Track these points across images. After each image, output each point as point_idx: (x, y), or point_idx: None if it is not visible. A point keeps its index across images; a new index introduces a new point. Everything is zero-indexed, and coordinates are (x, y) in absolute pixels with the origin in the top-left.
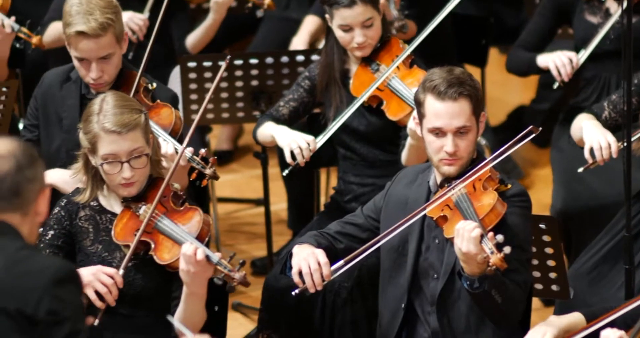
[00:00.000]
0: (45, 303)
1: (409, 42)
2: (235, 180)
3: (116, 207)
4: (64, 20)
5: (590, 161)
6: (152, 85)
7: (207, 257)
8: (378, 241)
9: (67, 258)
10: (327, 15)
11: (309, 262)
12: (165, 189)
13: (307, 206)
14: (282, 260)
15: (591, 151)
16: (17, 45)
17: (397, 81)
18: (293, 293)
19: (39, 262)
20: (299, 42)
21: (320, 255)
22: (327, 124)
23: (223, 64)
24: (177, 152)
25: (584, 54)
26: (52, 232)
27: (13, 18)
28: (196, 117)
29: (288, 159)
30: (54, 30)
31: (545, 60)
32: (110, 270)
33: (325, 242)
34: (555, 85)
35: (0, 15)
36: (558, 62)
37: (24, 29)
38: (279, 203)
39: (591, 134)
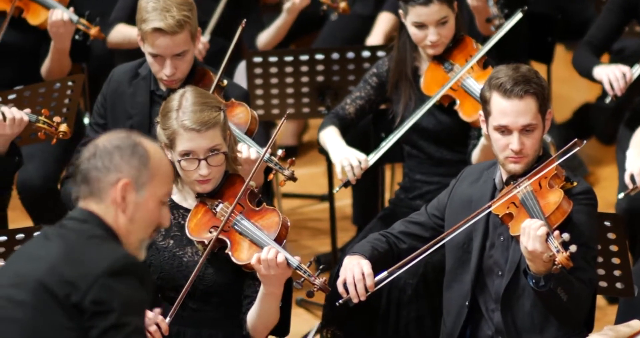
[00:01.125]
0: (94, 292)
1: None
2: (299, 175)
3: (190, 201)
4: (139, 16)
5: (630, 187)
6: (224, 82)
7: (287, 260)
8: (423, 252)
9: None
10: (400, 11)
11: (353, 272)
12: (240, 185)
13: (371, 202)
14: (336, 269)
15: (632, 176)
16: (77, 37)
17: (472, 81)
18: (337, 303)
19: (101, 251)
20: (373, 42)
21: (365, 266)
22: (394, 120)
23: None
24: (257, 154)
25: (638, 69)
26: None
27: (72, 9)
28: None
29: (339, 175)
30: (120, 33)
31: (599, 73)
32: (158, 317)
33: (385, 246)
34: (608, 100)
35: (60, 7)
36: (612, 76)
37: (83, 20)
38: (344, 199)
39: (632, 160)
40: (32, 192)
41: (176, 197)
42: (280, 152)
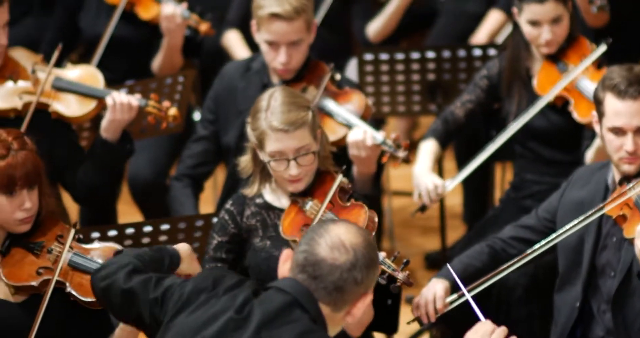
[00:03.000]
0: None
1: (596, 38)
2: (409, 173)
3: (283, 201)
4: (256, 3)
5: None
6: (337, 76)
7: None
8: (501, 271)
9: (232, 268)
10: (514, 9)
11: (426, 295)
12: (330, 182)
13: (481, 200)
14: None
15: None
16: (187, 33)
17: (587, 82)
18: (407, 323)
19: None
20: (477, 41)
21: (440, 290)
22: (507, 118)
23: None
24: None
25: None
26: (215, 242)
27: (185, 4)
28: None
29: (415, 198)
30: (228, 40)
31: None
32: None
33: (485, 258)
34: None
35: (173, 2)
36: None
37: (194, 16)
38: (454, 197)
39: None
40: (142, 186)
41: (269, 197)
42: (393, 135)
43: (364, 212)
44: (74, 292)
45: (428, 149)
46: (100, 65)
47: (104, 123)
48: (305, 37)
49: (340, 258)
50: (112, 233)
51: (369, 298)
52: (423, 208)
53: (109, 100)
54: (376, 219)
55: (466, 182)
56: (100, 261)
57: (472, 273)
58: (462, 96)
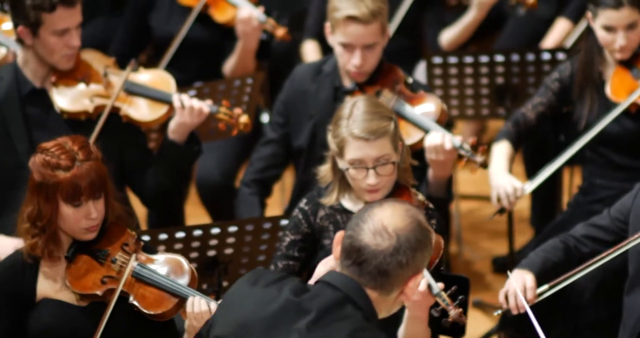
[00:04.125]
0: None
1: None
2: (478, 177)
3: (359, 207)
4: (332, 5)
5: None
6: (409, 79)
7: (429, 286)
8: (589, 265)
9: (303, 266)
10: (589, 13)
11: (516, 285)
12: (408, 198)
13: (550, 205)
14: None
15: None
16: (264, 37)
17: None
18: (495, 313)
19: None
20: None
21: (529, 280)
22: (579, 123)
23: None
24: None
25: None
26: (288, 239)
27: (261, 8)
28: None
29: (494, 201)
30: (304, 50)
31: None
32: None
33: (560, 253)
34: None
35: (249, 6)
36: None
37: (271, 21)
38: (522, 202)
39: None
40: (210, 188)
41: (347, 203)
42: (470, 139)
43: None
44: (137, 304)
45: (502, 151)
46: (170, 66)
47: (172, 125)
48: (379, 40)
49: (383, 244)
50: (180, 235)
51: (419, 277)
52: (502, 211)
53: (178, 103)
54: (442, 242)
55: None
56: (164, 272)
57: (550, 268)
58: (533, 99)
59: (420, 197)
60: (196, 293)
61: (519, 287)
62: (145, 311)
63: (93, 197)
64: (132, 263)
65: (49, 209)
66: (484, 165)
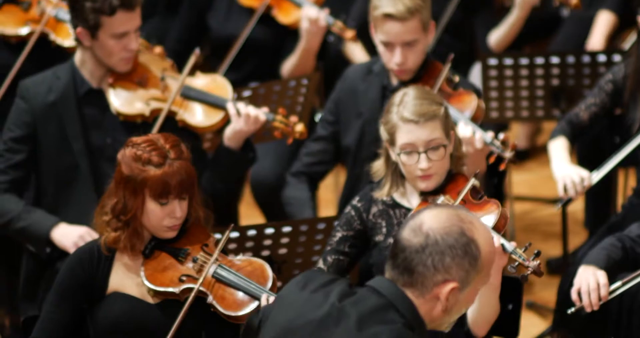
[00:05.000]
0: None
1: None
2: (531, 179)
3: (413, 202)
4: (372, 4)
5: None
6: (456, 78)
7: (502, 246)
8: None
9: (352, 262)
10: (639, 17)
11: (589, 281)
12: (464, 183)
13: (603, 206)
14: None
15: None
16: (331, 39)
17: None
18: (569, 311)
19: None
20: (594, 45)
21: (601, 277)
22: (632, 126)
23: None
24: (482, 140)
25: None
26: (339, 234)
27: (327, 10)
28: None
29: (561, 192)
30: (353, 52)
31: None
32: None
33: (620, 252)
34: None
35: (315, 8)
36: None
37: (339, 23)
38: (576, 203)
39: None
40: (264, 188)
41: (398, 198)
42: (502, 135)
43: (496, 208)
44: (216, 304)
45: (560, 144)
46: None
47: (228, 132)
48: (420, 37)
49: (412, 240)
50: (234, 235)
51: (453, 287)
52: (568, 201)
53: (233, 111)
54: (508, 215)
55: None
56: (243, 276)
57: (612, 265)
58: (586, 99)
59: (476, 182)
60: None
61: (592, 284)
62: (224, 312)
63: (180, 197)
64: (213, 264)
65: (134, 204)
66: (514, 161)
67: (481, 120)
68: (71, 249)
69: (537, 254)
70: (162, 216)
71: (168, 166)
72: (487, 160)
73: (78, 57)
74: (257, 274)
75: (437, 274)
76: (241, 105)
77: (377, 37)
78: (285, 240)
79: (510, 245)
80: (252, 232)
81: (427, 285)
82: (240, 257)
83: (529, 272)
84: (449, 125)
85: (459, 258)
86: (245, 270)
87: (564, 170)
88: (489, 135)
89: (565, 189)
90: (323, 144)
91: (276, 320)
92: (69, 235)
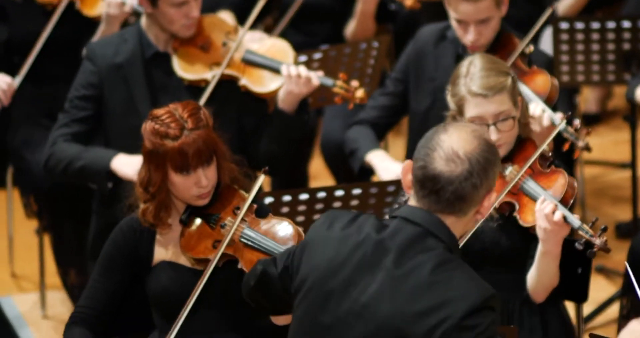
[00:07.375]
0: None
1: None
2: (602, 143)
3: None
4: None
5: None
6: (529, 49)
7: (565, 219)
8: None
9: None
10: None
11: None
12: (533, 150)
13: None
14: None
15: None
16: (393, 7)
17: None
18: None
19: (459, 285)
20: None
21: None
22: None
23: None
24: (550, 121)
25: None
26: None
27: None
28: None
29: None
30: None
31: None
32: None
33: None
34: None
35: None
36: None
37: None
38: None
39: None
40: (334, 150)
41: None
42: (577, 121)
43: (563, 178)
44: (245, 269)
45: None
46: (296, 29)
47: (281, 93)
48: (494, 13)
49: (456, 170)
50: (304, 197)
51: (493, 195)
52: None
53: (285, 72)
54: (576, 185)
55: None
56: (271, 240)
57: None
58: None
59: (546, 147)
60: None
61: None
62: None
63: (202, 165)
64: (234, 227)
65: (158, 177)
66: (587, 149)
67: (555, 100)
68: (135, 177)
69: (604, 230)
70: (189, 186)
71: (184, 137)
72: (560, 147)
73: (144, 20)
74: (282, 236)
75: (482, 190)
76: (292, 67)
77: (451, 14)
78: (355, 202)
79: (575, 220)
80: (321, 194)
81: (475, 204)
82: (269, 219)
83: (595, 249)
84: (516, 95)
85: (495, 167)
86: (269, 229)
87: None
88: (559, 117)
89: None
90: (390, 100)
91: (313, 262)
92: (130, 164)
